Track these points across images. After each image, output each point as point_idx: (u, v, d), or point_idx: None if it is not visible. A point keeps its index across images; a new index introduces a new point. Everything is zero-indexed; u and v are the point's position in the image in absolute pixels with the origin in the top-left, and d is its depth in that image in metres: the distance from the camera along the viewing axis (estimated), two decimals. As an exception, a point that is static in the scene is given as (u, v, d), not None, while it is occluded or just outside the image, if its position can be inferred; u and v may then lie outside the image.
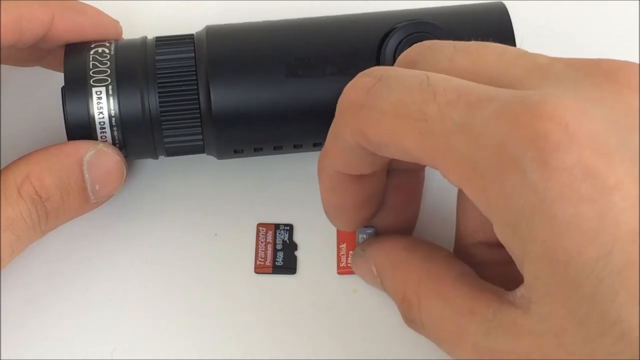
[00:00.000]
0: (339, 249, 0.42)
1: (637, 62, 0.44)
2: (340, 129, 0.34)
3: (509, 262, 0.31)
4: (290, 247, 0.42)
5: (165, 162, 0.43)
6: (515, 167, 0.29)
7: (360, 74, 0.34)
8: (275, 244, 0.42)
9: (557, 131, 0.28)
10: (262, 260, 0.42)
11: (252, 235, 0.43)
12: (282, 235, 0.42)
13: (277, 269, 0.42)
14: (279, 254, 0.42)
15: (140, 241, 0.42)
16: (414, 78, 0.32)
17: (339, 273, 0.42)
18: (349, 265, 0.41)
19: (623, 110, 0.29)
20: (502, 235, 0.30)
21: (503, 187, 0.29)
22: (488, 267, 0.36)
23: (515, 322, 0.30)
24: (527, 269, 0.29)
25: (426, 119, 0.31)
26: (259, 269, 0.42)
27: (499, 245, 0.32)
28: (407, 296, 0.35)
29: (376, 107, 0.32)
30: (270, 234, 0.42)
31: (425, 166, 0.39)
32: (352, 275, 0.42)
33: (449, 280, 0.34)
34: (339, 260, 0.42)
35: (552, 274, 0.28)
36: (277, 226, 0.43)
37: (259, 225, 0.43)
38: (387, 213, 0.40)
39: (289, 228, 0.43)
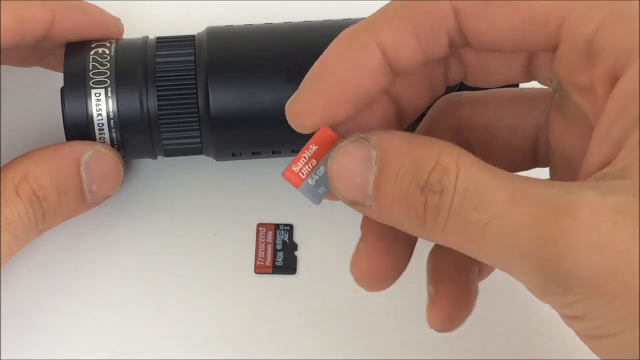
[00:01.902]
0: (304, 149, 0.31)
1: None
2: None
3: None
4: (290, 247, 0.42)
5: (164, 162, 0.43)
6: None
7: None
8: (275, 244, 0.42)
9: None
10: (262, 260, 0.42)
11: (252, 235, 0.43)
12: (282, 235, 0.42)
13: (277, 269, 0.42)
14: (279, 254, 0.42)
15: (140, 241, 0.42)
16: None
17: (284, 176, 0.31)
18: (300, 173, 0.31)
19: None
20: (629, 89, 0.27)
21: None
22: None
23: (604, 185, 0.26)
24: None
25: None
26: (259, 269, 0.42)
27: None
28: (443, 163, 0.28)
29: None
30: (270, 234, 0.42)
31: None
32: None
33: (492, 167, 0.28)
34: (294, 161, 0.31)
35: None
36: (277, 226, 0.43)
37: (259, 225, 0.43)
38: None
39: (289, 228, 0.43)
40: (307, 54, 0.39)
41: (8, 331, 0.40)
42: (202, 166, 0.44)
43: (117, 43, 0.40)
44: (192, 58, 0.39)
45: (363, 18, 0.41)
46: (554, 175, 0.34)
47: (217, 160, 0.42)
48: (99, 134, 0.39)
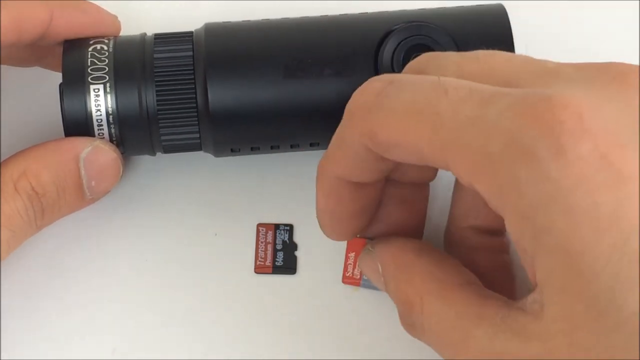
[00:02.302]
0: (346, 258, 0.42)
1: (637, 62, 0.44)
2: (348, 132, 0.34)
3: (499, 249, 0.31)
4: (290, 247, 0.42)
5: (164, 160, 0.43)
6: (530, 157, 0.28)
7: (370, 79, 0.34)
8: (275, 244, 0.42)
9: (571, 120, 0.28)
10: (262, 260, 0.42)
11: (252, 235, 0.43)
12: (282, 235, 0.42)
13: (277, 269, 0.42)
14: (279, 254, 0.42)
15: (140, 241, 0.42)
16: (425, 79, 0.32)
17: (344, 282, 0.42)
18: (355, 277, 0.41)
19: (633, 108, 0.29)
20: (514, 228, 0.29)
21: (517, 177, 0.29)
22: (478, 253, 0.36)
23: (526, 327, 0.29)
24: (540, 264, 0.29)
25: (438, 114, 0.31)
26: (259, 269, 0.42)
27: (489, 233, 0.32)
28: (410, 298, 0.34)
29: (387, 107, 0.32)
30: (270, 234, 0.42)
31: (429, 181, 0.39)
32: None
33: (455, 286, 0.33)
34: (345, 270, 0.42)
35: (568, 265, 0.28)
36: (277, 226, 0.43)
37: (259, 225, 0.43)
38: (386, 226, 0.39)
39: (289, 228, 0.43)
40: (305, 50, 0.39)
41: (8, 331, 0.40)
42: (202, 165, 0.44)
43: (115, 40, 0.40)
44: (190, 54, 0.39)
45: (361, 13, 0.41)
46: None
47: (215, 156, 0.42)
48: (98, 130, 0.39)
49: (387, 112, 0.32)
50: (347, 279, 0.41)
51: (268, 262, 0.42)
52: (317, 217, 0.38)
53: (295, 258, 0.42)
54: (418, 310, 0.34)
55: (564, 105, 0.29)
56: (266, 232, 0.42)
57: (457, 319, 0.32)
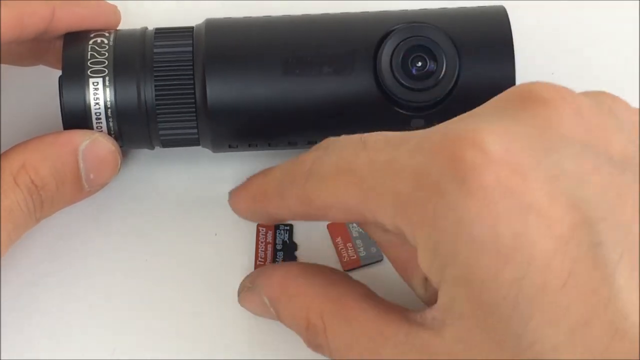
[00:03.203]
0: (336, 245, 0.42)
1: (637, 62, 0.44)
2: (288, 195, 0.36)
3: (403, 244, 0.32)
4: (290, 247, 0.42)
5: (162, 154, 0.43)
6: (437, 192, 0.29)
7: (312, 148, 0.36)
8: (275, 244, 0.42)
9: (474, 153, 0.29)
10: (262, 260, 0.42)
11: (252, 235, 0.43)
12: (282, 235, 0.42)
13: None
14: (279, 254, 0.42)
15: (140, 241, 0.42)
16: (351, 139, 0.34)
17: (344, 269, 0.41)
18: (351, 258, 0.41)
19: (541, 127, 0.30)
20: (424, 262, 0.31)
21: (425, 212, 0.30)
22: (384, 248, 0.37)
23: (428, 344, 0.31)
24: (444, 292, 0.30)
25: (358, 168, 0.33)
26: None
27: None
28: (312, 322, 0.35)
29: (319, 173, 0.34)
30: (270, 234, 0.42)
31: None
32: (355, 272, 0.41)
33: (353, 303, 0.34)
34: (340, 256, 0.42)
35: (469, 296, 0.29)
36: (277, 226, 0.43)
37: (259, 225, 0.43)
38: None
39: (289, 228, 0.43)
40: (304, 48, 0.40)
41: (8, 331, 0.40)
42: (201, 159, 0.44)
43: (115, 33, 0.41)
44: (190, 49, 0.40)
45: (361, 12, 0.41)
46: None
47: (213, 151, 0.42)
48: (97, 123, 0.39)
49: (319, 178, 0.34)
50: (347, 264, 0.41)
51: (268, 262, 0.42)
52: (233, 197, 0.40)
53: (295, 258, 0.42)
54: (322, 334, 0.35)
55: (467, 139, 0.29)
56: (266, 232, 0.42)
57: (362, 338, 0.33)
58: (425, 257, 0.31)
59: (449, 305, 0.30)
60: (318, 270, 0.37)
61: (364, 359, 0.33)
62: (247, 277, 0.40)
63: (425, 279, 0.34)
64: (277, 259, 0.42)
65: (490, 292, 0.28)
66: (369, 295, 0.35)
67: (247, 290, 0.39)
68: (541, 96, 0.31)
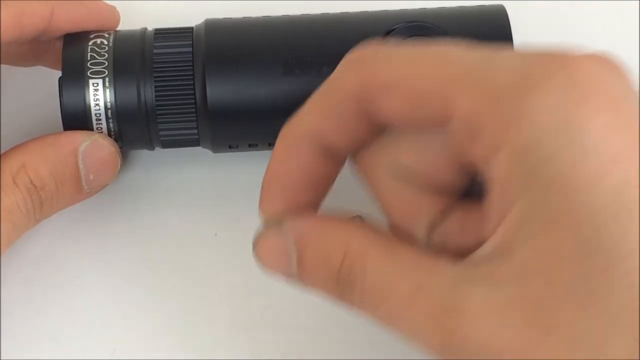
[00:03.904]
0: None
1: (638, 63, 0.44)
2: (343, 77, 0.32)
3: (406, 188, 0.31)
4: None
5: (163, 155, 0.44)
6: (544, 89, 0.28)
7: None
8: None
9: (586, 62, 0.29)
10: None
11: (252, 234, 0.43)
12: None
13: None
14: None
15: (140, 242, 0.42)
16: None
17: None
18: None
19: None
20: (504, 166, 0.28)
21: (526, 108, 0.28)
22: (387, 192, 0.34)
23: (492, 272, 0.28)
24: (528, 200, 0.28)
25: (444, 53, 0.30)
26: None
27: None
28: (350, 256, 0.31)
29: (389, 53, 0.32)
30: None
31: None
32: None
33: (398, 243, 0.31)
34: None
35: (564, 200, 0.27)
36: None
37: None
38: None
39: None
40: (304, 47, 0.40)
41: (8, 331, 0.40)
42: (201, 159, 0.44)
43: (115, 34, 0.41)
44: (190, 50, 0.40)
45: (362, 12, 0.41)
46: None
47: (214, 152, 0.42)
48: (97, 124, 0.39)
49: (389, 56, 0.32)
50: None
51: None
52: (264, 183, 0.34)
53: None
54: (360, 268, 0.30)
55: (577, 54, 0.29)
56: None
57: (408, 271, 0.30)
58: (507, 160, 0.28)
59: (532, 215, 0.27)
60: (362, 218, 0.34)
61: (402, 294, 0.29)
62: (269, 219, 0.34)
63: (430, 224, 0.33)
64: None
65: (590, 198, 0.27)
66: (415, 243, 0.33)
67: (272, 227, 0.33)
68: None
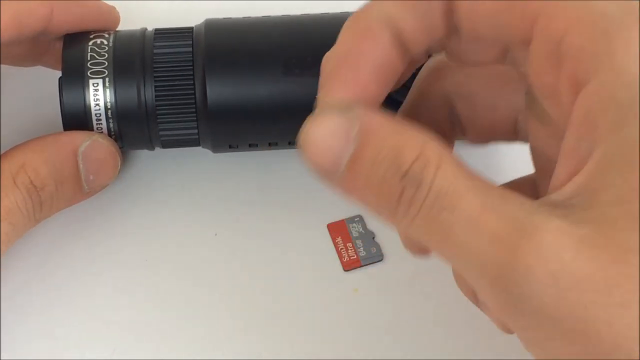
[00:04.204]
0: (336, 245, 0.42)
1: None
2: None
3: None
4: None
5: (162, 155, 0.44)
6: None
7: None
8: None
9: None
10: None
11: (252, 235, 0.43)
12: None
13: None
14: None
15: (140, 242, 0.42)
16: None
17: (345, 269, 0.41)
18: (351, 258, 0.41)
19: None
20: (598, 95, 0.26)
21: (628, 40, 0.26)
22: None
23: (573, 210, 0.25)
24: (624, 136, 0.25)
25: None
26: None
27: None
28: (426, 154, 0.27)
29: None
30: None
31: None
32: (355, 272, 0.41)
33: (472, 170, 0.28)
34: (340, 256, 0.42)
35: None
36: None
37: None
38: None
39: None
40: (304, 47, 0.40)
41: (8, 331, 0.40)
42: (201, 160, 0.44)
43: (115, 34, 0.41)
44: (190, 50, 0.40)
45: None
46: (535, 164, 0.34)
47: (214, 152, 0.42)
48: (97, 124, 0.39)
49: None
50: (347, 264, 0.41)
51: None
52: (327, 67, 0.30)
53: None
54: (432, 168, 0.27)
55: None
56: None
57: (480, 189, 0.26)
58: (600, 92, 0.26)
59: (612, 159, 0.25)
60: None
61: (471, 206, 0.26)
62: (337, 103, 0.29)
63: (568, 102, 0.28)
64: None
65: None
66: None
67: (334, 111, 0.28)
68: None
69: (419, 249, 0.33)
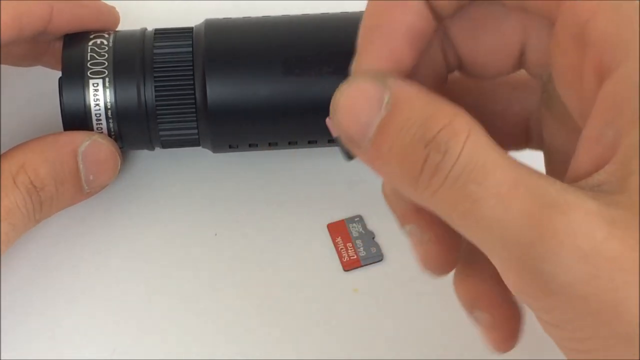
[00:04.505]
0: (335, 245, 0.42)
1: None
2: None
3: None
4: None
5: (162, 155, 0.44)
6: None
7: None
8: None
9: None
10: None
11: (252, 235, 0.43)
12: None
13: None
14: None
15: (140, 241, 0.42)
16: None
17: (345, 269, 0.41)
18: (351, 258, 0.41)
19: None
20: (625, 82, 0.26)
21: None
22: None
23: (604, 195, 0.25)
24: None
25: None
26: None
27: None
28: (455, 124, 0.26)
29: None
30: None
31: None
32: (355, 272, 0.41)
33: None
34: (340, 256, 0.42)
35: None
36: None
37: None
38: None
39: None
40: (304, 47, 0.40)
41: (8, 331, 0.40)
42: (201, 160, 0.44)
43: (115, 34, 0.41)
44: (190, 50, 0.40)
45: (362, 11, 0.41)
46: (548, 165, 0.33)
47: (214, 152, 0.42)
48: (97, 124, 0.39)
49: None
50: (347, 264, 0.41)
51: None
52: (362, 36, 0.30)
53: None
54: (461, 139, 0.26)
55: None
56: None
57: (511, 165, 0.26)
58: (629, 78, 0.25)
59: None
60: None
61: (500, 179, 0.25)
62: (372, 72, 0.29)
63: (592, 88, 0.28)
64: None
65: None
66: None
67: (367, 78, 0.28)
68: None
69: (404, 211, 0.31)
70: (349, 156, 0.30)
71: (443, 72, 0.32)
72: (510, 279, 0.26)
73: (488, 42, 0.31)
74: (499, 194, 0.25)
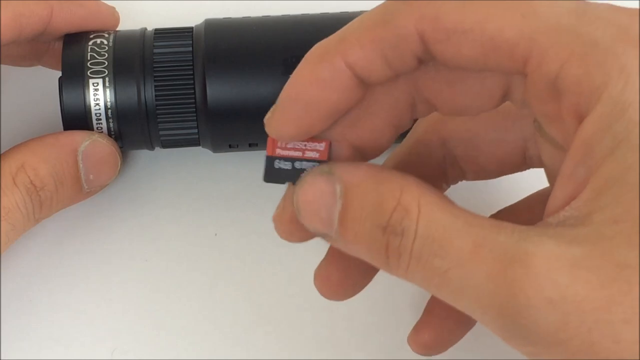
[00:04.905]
0: None
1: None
2: (398, 15, 0.28)
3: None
4: None
5: (162, 155, 0.44)
6: None
7: None
8: None
9: None
10: None
11: (252, 235, 0.43)
12: None
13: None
14: None
15: (140, 242, 0.42)
16: None
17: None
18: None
19: None
20: (598, 123, 0.26)
21: (624, 65, 0.26)
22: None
23: (563, 233, 0.26)
24: (621, 160, 0.26)
25: (531, 3, 0.27)
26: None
27: None
28: (403, 203, 0.27)
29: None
30: None
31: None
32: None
33: (457, 206, 0.28)
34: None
35: None
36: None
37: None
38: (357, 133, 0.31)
39: None
40: (304, 46, 0.39)
41: (8, 331, 0.40)
42: (200, 160, 0.44)
43: (115, 34, 0.41)
44: (190, 49, 0.40)
45: (361, 11, 0.41)
46: (550, 182, 0.34)
47: (214, 152, 0.42)
48: (97, 124, 0.39)
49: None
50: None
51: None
52: (282, 101, 0.31)
53: None
54: (413, 216, 0.27)
55: None
56: None
57: (467, 226, 0.27)
58: (600, 120, 0.26)
59: (609, 183, 0.26)
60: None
61: (460, 246, 0.26)
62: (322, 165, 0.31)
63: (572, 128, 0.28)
64: None
65: None
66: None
67: (316, 174, 0.30)
68: None
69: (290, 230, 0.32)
70: (268, 175, 0.32)
71: (408, 117, 0.32)
72: (496, 333, 0.27)
73: (466, 88, 0.31)
74: (461, 263, 0.26)
